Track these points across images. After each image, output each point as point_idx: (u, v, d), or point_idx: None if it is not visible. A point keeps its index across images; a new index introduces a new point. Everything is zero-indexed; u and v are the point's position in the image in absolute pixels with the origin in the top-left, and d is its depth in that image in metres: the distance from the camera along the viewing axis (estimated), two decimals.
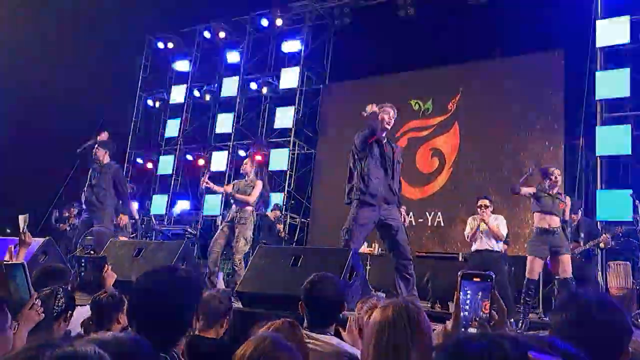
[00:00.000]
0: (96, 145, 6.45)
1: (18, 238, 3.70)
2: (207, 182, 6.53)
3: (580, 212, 6.48)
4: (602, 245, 6.27)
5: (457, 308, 1.26)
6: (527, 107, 9.20)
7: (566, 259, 5.36)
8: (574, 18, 8.45)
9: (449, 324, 1.29)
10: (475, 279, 1.29)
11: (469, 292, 1.27)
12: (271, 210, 9.74)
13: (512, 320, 5.41)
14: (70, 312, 2.34)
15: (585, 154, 8.33)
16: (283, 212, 10.74)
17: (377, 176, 4.53)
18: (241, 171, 6.62)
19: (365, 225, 4.45)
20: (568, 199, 5.74)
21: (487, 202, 6.34)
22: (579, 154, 8.21)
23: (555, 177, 5.63)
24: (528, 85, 9.26)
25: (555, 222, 5.48)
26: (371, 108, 4.61)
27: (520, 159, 9.08)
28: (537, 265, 5.51)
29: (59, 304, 2.25)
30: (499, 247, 6.25)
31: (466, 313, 1.25)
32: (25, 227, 3.81)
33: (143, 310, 1.67)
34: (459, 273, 1.33)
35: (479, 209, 6.27)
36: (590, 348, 1.46)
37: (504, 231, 6.23)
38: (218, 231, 6.43)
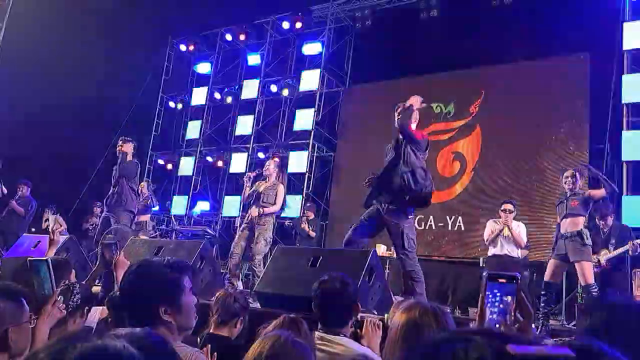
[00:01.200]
0: (120, 142, 6.57)
1: (48, 236, 3.75)
2: (248, 180, 6.48)
3: (610, 218, 6.27)
4: (629, 252, 6.07)
5: (481, 310, 1.22)
6: (551, 111, 9.05)
7: (580, 267, 5.16)
8: (599, 20, 8.29)
9: (473, 326, 1.25)
10: (500, 281, 1.25)
11: (495, 294, 1.24)
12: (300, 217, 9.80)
13: (533, 326, 5.31)
14: (87, 307, 2.34)
15: (610, 159, 8.15)
16: (300, 215, 10.72)
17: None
18: (264, 173, 6.58)
19: None
20: (593, 192, 5.42)
21: (511, 206, 6.25)
22: (604, 159, 8.04)
23: (566, 181, 5.47)
24: (552, 88, 9.11)
25: (570, 225, 5.30)
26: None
27: (543, 164, 8.94)
28: (554, 268, 5.38)
29: (75, 299, 2.26)
30: (518, 253, 6.16)
31: (493, 316, 1.21)
32: (55, 226, 3.89)
33: (121, 294, 1.84)
34: (484, 274, 1.29)
35: (502, 213, 6.20)
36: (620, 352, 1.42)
37: (524, 239, 6.15)
38: (238, 233, 6.42)
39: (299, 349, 1.66)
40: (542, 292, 5.37)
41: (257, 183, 6.67)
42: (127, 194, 6.25)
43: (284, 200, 6.34)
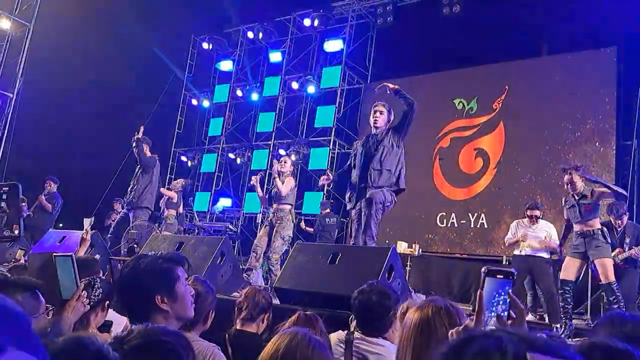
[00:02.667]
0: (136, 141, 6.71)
1: (80, 237, 3.84)
2: (256, 181, 6.51)
3: (625, 217, 6.12)
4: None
5: (479, 306, 1.21)
6: (577, 106, 8.87)
7: (601, 264, 5.00)
8: (627, 13, 8.08)
9: (471, 322, 1.25)
10: (498, 276, 1.25)
11: (492, 289, 1.24)
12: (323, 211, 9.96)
13: (558, 325, 5.22)
14: (107, 302, 2.38)
15: (638, 155, 7.95)
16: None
17: None
18: (280, 170, 6.56)
19: None
20: (599, 190, 5.15)
21: (537, 212, 6.07)
22: (632, 155, 7.85)
23: (566, 183, 5.25)
24: (577, 83, 8.93)
25: (587, 225, 5.16)
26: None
27: (568, 160, 8.77)
28: (570, 266, 5.26)
29: (96, 293, 2.30)
30: (546, 254, 6.03)
31: (491, 312, 1.21)
32: (89, 228, 3.99)
33: (117, 286, 1.93)
34: (482, 269, 1.28)
35: (528, 219, 6.05)
36: None
37: (556, 240, 6.00)
38: (261, 230, 6.45)
39: (316, 347, 1.66)
40: (559, 291, 5.26)
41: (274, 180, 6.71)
42: (146, 191, 6.41)
43: (293, 192, 6.32)
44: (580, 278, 6.40)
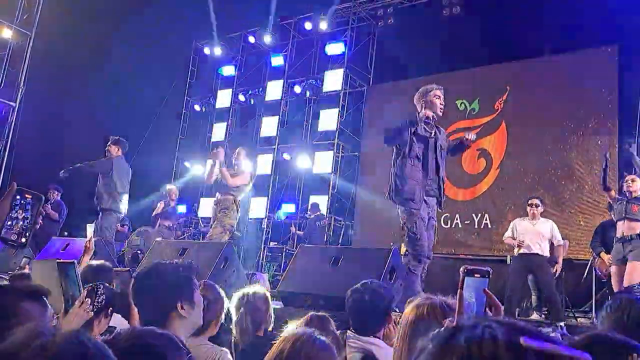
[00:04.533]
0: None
1: (84, 245, 3.86)
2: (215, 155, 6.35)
3: None
4: None
5: (459, 305, 1.23)
6: (579, 105, 8.86)
7: (633, 267, 4.99)
8: (628, 11, 8.06)
9: (449, 322, 1.26)
10: (476, 275, 1.27)
11: (470, 288, 1.25)
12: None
13: (562, 324, 5.21)
14: (111, 308, 2.40)
15: None
16: (327, 215, 10.80)
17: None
18: (234, 160, 6.49)
19: None
20: None
21: (538, 201, 6.17)
22: (635, 153, 7.82)
23: (628, 184, 5.31)
24: (579, 83, 8.93)
25: (628, 229, 5.16)
26: None
27: (571, 160, 8.76)
28: (618, 275, 5.22)
29: (100, 300, 2.32)
30: (547, 252, 6.04)
31: (468, 310, 1.23)
32: (92, 235, 3.99)
33: (135, 292, 1.94)
34: (461, 269, 1.30)
35: (529, 208, 6.12)
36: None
37: (558, 236, 6.04)
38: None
39: (322, 347, 1.66)
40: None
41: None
42: (106, 194, 6.49)
43: (244, 188, 6.25)
44: (585, 276, 6.40)
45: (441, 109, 4.64)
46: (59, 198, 8.62)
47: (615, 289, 5.22)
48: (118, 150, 6.76)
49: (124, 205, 6.76)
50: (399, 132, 4.38)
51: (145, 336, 1.20)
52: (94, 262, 3.41)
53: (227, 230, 6.06)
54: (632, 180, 5.35)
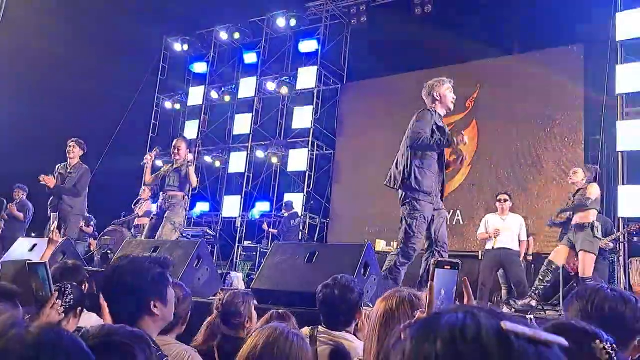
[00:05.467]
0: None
1: (48, 237, 3.77)
2: (150, 161, 6.20)
3: None
4: (620, 238, 6.16)
5: (430, 297, 1.25)
6: (546, 103, 9.07)
7: (584, 257, 5.22)
8: (593, 12, 8.29)
9: (421, 313, 1.28)
10: (446, 267, 1.29)
11: (441, 280, 1.27)
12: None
13: (531, 317, 5.32)
14: (80, 308, 2.36)
15: (606, 149, 8.15)
16: (303, 213, 10.81)
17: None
18: (173, 152, 6.26)
19: None
20: (591, 188, 5.40)
21: (506, 196, 6.38)
22: (600, 150, 8.04)
23: (570, 177, 5.63)
24: (547, 81, 9.13)
25: (581, 218, 5.36)
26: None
27: (540, 156, 8.96)
28: (560, 252, 5.46)
29: (68, 300, 2.28)
30: (515, 246, 6.21)
31: (438, 302, 1.25)
32: (55, 226, 3.91)
33: (106, 288, 1.91)
34: (431, 261, 1.32)
35: (498, 203, 6.30)
36: None
37: (523, 234, 6.25)
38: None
39: (294, 341, 1.67)
40: (543, 268, 5.42)
41: (164, 166, 6.34)
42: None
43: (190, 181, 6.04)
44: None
45: (453, 102, 4.60)
46: (24, 198, 8.42)
47: (551, 259, 5.46)
48: (80, 152, 6.64)
49: (85, 206, 6.70)
50: (430, 147, 4.25)
51: (114, 334, 1.18)
52: (68, 261, 3.35)
53: (177, 229, 5.89)
54: (574, 173, 5.60)
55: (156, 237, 5.67)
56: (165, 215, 5.84)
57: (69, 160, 6.56)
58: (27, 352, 0.75)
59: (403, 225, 4.26)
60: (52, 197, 6.37)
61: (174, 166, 6.16)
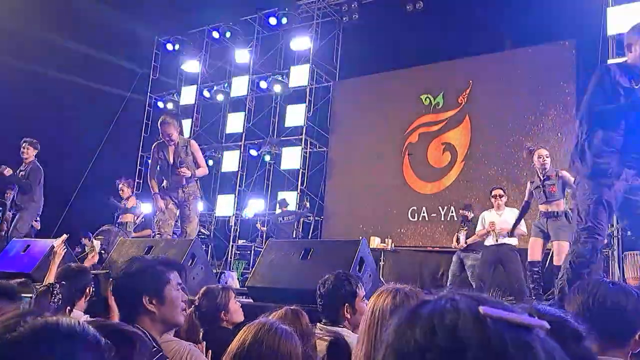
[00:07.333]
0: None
1: (53, 252, 3.78)
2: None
3: None
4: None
5: None
6: (539, 98, 9.11)
7: (559, 246, 5.04)
8: (584, 7, 8.32)
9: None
10: None
11: None
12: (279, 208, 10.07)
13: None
14: (68, 308, 2.34)
15: None
16: (298, 210, 10.80)
17: None
18: (168, 136, 5.44)
19: None
20: (565, 174, 5.21)
21: (501, 191, 6.35)
22: None
23: (543, 160, 5.38)
24: (539, 76, 9.16)
25: (553, 207, 5.25)
26: None
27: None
28: (534, 246, 5.35)
29: (56, 299, 2.27)
30: (514, 241, 6.19)
31: None
32: (62, 244, 3.94)
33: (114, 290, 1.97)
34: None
35: (493, 199, 6.28)
36: (600, 332, 1.45)
37: (523, 228, 6.15)
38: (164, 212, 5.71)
39: (282, 336, 1.67)
40: (528, 273, 5.38)
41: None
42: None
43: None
44: (547, 265, 6.56)
45: None
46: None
47: (530, 259, 5.34)
48: (35, 152, 6.82)
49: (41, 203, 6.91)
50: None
51: (105, 329, 1.17)
52: (73, 265, 3.35)
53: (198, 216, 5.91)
54: (547, 156, 5.42)
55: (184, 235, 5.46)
56: (187, 205, 5.67)
57: (24, 161, 6.78)
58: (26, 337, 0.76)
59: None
60: (13, 192, 6.63)
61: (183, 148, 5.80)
